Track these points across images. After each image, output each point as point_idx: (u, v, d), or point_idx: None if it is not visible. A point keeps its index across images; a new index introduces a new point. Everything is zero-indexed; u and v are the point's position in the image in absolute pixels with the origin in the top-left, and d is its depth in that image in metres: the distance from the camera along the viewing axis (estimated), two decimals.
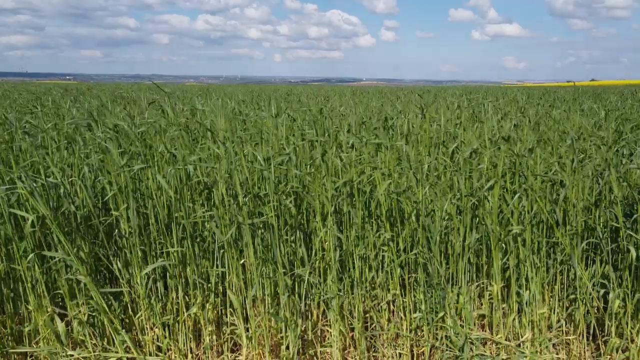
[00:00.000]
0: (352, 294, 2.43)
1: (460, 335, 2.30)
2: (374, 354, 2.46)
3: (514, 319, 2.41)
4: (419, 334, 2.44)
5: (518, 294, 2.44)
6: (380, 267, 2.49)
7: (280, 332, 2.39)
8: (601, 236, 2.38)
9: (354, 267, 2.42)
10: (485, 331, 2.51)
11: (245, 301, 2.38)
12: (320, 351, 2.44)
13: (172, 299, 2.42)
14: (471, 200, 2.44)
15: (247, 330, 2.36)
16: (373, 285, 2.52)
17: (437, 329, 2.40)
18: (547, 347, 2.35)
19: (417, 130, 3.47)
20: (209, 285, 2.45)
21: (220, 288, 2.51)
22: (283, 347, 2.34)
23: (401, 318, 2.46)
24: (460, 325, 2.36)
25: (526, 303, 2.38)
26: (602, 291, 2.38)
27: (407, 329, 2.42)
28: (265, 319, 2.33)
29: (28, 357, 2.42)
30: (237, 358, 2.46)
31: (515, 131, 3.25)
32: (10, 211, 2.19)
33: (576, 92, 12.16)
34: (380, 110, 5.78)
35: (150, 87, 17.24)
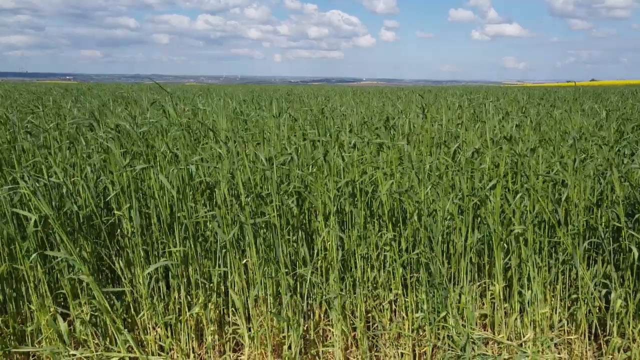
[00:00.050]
0: (354, 293, 2.43)
1: (462, 335, 2.30)
2: (376, 354, 2.46)
3: (516, 318, 2.41)
4: (421, 333, 2.44)
5: (520, 293, 2.44)
6: (382, 266, 2.49)
7: (283, 332, 2.39)
8: (603, 236, 2.38)
9: (356, 267, 2.42)
10: (487, 331, 2.51)
11: (247, 301, 2.39)
12: (322, 351, 2.44)
13: (175, 298, 2.42)
14: (473, 201, 2.44)
15: (249, 330, 2.36)
16: (375, 285, 2.52)
17: (439, 329, 2.40)
18: (549, 346, 2.35)
19: (419, 130, 3.47)
20: (211, 285, 2.45)
21: (222, 288, 2.51)
22: (285, 347, 2.34)
23: (403, 318, 2.46)
24: (462, 325, 2.36)
25: (528, 303, 2.39)
26: (603, 291, 2.38)
27: (409, 328, 2.42)
28: (268, 318, 2.33)
29: (30, 357, 2.42)
30: (239, 358, 2.46)
31: (518, 131, 3.25)
32: (13, 211, 2.19)
33: (577, 92, 12.17)
34: (381, 110, 5.78)
35: (150, 87, 17.24)
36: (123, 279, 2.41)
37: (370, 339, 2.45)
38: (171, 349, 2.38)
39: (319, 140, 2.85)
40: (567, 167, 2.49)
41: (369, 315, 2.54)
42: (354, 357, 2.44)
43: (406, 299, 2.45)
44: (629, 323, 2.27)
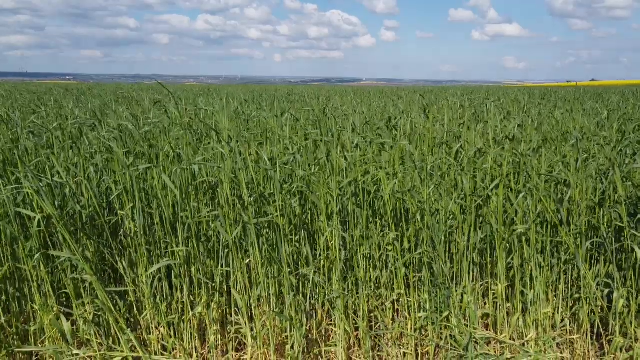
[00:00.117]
0: (357, 293, 2.44)
1: (464, 335, 2.30)
2: (378, 353, 2.46)
3: (518, 318, 2.42)
4: (424, 333, 2.45)
5: (522, 293, 2.45)
6: (385, 266, 2.50)
7: (285, 332, 2.40)
8: (605, 236, 2.38)
9: (358, 267, 2.43)
10: (490, 330, 2.51)
11: (250, 301, 2.39)
12: (325, 350, 2.45)
13: (177, 298, 2.42)
14: (476, 202, 2.45)
15: (252, 329, 2.37)
16: (377, 285, 2.52)
17: (441, 329, 2.40)
18: (551, 346, 2.36)
19: (421, 129, 3.47)
20: (214, 284, 2.45)
21: (225, 287, 2.52)
22: (288, 347, 2.34)
23: (406, 317, 2.46)
24: (465, 324, 2.37)
25: (530, 302, 2.39)
26: (606, 290, 2.38)
27: (411, 328, 2.43)
28: (270, 318, 2.34)
29: (33, 357, 2.42)
30: (242, 357, 2.47)
31: (520, 131, 3.25)
32: (16, 210, 2.19)
33: (578, 92, 12.17)
34: (382, 110, 5.78)
35: (151, 87, 17.25)
36: (126, 279, 2.41)
37: (372, 338, 2.46)
38: (174, 348, 2.39)
39: (321, 140, 2.86)
40: (570, 167, 2.49)
41: (372, 314, 2.54)
42: (356, 357, 2.44)
43: (409, 299, 2.45)
44: (631, 323, 2.27)
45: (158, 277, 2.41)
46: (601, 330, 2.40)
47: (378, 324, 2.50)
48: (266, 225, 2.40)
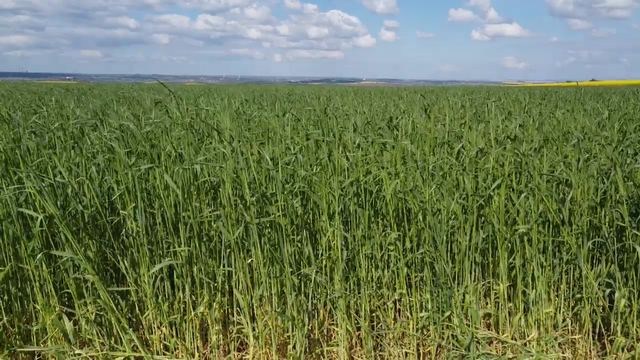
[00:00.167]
0: (359, 293, 2.44)
1: (466, 335, 2.31)
2: (380, 353, 2.47)
3: (520, 318, 2.42)
4: (425, 333, 2.45)
5: (524, 293, 2.45)
6: (387, 266, 2.50)
7: (287, 332, 2.40)
8: (607, 235, 2.38)
9: (360, 266, 2.43)
10: (492, 330, 2.52)
11: (252, 300, 2.39)
12: (326, 350, 2.45)
13: (179, 298, 2.42)
14: (477, 201, 2.45)
15: (253, 329, 2.37)
16: (379, 285, 2.53)
17: (443, 328, 2.41)
18: (553, 346, 2.36)
19: (422, 129, 3.48)
20: (216, 284, 2.46)
21: (227, 287, 2.52)
22: (290, 346, 2.35)
23: (407, 317, 2.46)
24: (467, 324, 2.37)
25: (532, 302, 2.39)
26: (607, 290, 2.39)
27: (413, 328, 2.43)
28: (272, 318, 2.34)
29: (36, 356, 2.43)
30: (244, 357, 2.47)
31: (522, 131, 3.26)
32: (19, 210, 2.20)
33: (578, 92, 12.17)
34: (383, 110, 5.79)
35: (151, 87, 17.25)
36: (128, 279, 2.41)
37: (374, 338, 2.46)
38: (176, 348, 2.39)
39: (323, 140, 2.86)
40: (571, 167, 2.50)
41: (374, 314, 2.54)
42: (358, 357, 2.44)
43: (410, 299, 2.45)
44: (632, 322, 2.28)
45: (160, 277, 2.41)
46: (603, 330, 2.40)
47: (380, 324, 2.50)
48: (268, 225, 2.40)
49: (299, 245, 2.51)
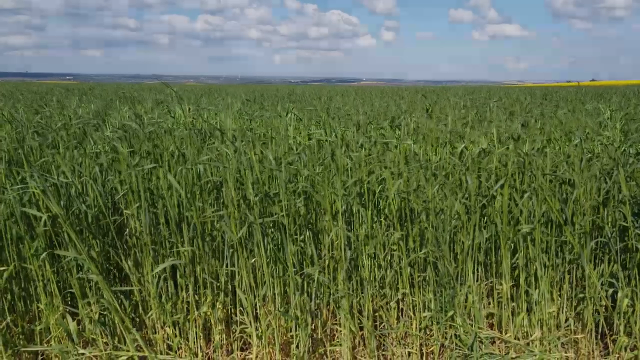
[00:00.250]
0: (362, 292, 2.44)
1: (469, 334, 2.31)
2: (383, 353, 2.47)
3: (523, 317, 2.42)
4: (428, 332, 2.45)
5: (527, 292, 2.45)
6: (390, 266, 2.50)
7: (290, 331, 2.40)
8: (610, 235, 2.38)
9: (363, 266, 2.43)
10: (494, 330, 2.52)
11: (255, 300, 2.40)
12: (330, 350, 2.45)
13: (183, 297, 2.43)
14: (480, 201, 2.45)
15: (257, 329, 2.37)
16: (382, 284, 2.53)
17: (446, 328, 2.41)
18: (555, 345, 2.36)
19: (424, 129, 3.48)
20: (219, 284, 2.46)
21: (230, 287, 2.52)
22: (293, 346, 2.35)
23: (410, 317, 2.47)
24: (470, 324, 2.37)
25: (535, 302, 2.39)
26: (610, 290, 2.39)
27: (416, 327, 2.43)
28: (276, 317, 2.34)
29: (39, 356, 2.43)
30: (247, 357, 2.47)
31: (524, 131, 3.26)
32: (22, 210, 2.20)
33: (579, 92, 12.18)
34: (385, 110, 5.79)
35: (152, 87, 17.26)
36: (131, 278, 2.42)
37: (377, 338, 2.46)
38: (179, 348, 2.39)
39: (325, 140, 2.86)
40: (574, 167, 2.50)
41: (377, 314, 2.55)
42: (361, 356, 2.44)
43: (413, 298, 2.46)
44: (635, 322, 2.28)
45: (163, 276, 2.41)
46: (605, 329, 2.41)
47: (383, 324, 2.51)
48: (271, 225, 2.40)
49: (302, 245, 2.51)
